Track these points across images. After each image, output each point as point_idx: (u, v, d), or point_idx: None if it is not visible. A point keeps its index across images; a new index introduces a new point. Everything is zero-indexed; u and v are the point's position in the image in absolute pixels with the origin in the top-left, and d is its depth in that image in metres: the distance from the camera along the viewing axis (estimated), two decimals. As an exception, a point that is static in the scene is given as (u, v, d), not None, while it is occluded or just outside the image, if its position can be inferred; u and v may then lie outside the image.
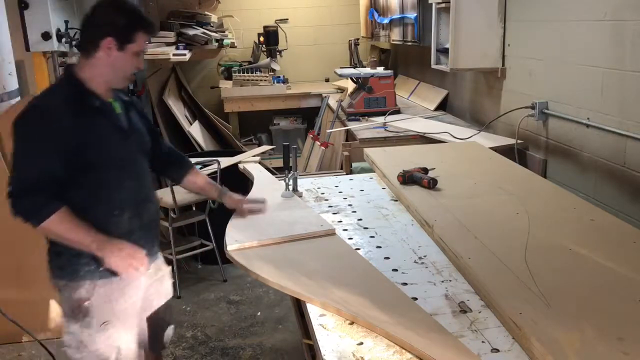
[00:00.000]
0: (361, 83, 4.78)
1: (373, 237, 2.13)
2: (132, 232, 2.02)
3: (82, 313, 1.98)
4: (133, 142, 2.07)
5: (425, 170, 2.61)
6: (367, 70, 4.99)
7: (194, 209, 4.21)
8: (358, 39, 6.63)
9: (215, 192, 2.37)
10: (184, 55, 5.40)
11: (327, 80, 6.87)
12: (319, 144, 4.78)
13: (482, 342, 1.42)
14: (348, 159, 3.40)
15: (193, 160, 4.26)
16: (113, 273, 1.96)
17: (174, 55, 5.34)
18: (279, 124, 6.69)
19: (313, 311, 1.62)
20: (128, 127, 2.06)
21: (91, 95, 1.96)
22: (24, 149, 1.88)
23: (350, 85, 5.44)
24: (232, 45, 6.42)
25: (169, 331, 2.31)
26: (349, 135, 4.36)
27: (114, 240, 1.94)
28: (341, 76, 5.38)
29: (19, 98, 3.55)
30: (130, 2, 2.02)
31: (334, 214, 2.39)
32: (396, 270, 1.85)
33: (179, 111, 5.92)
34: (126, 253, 1.93)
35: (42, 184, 1.87)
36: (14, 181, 1.89)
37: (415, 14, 4.77)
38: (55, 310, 3.37)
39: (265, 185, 2.84)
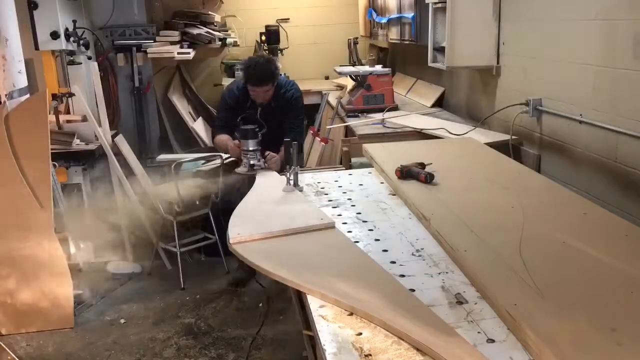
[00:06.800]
0: (360, 81, 4.80)
1: (372, 230, 2.15)
2: None
3: None
4: None
5: (422, 166, 2.63)
6: (366, 68, 5.02)
7: (197, 203, 4.27)
8: (357, 38, 6.69)
9: None
10: (188, 53, 5.45)
11: (327, 78, 6.90)
12: (319, 139, 4.84)
13: (478, 332, 1.43)
14: (347, 155, 3.42)
15: (197, 155, 4.37)
16: None
17: (178, 53, 5.39)
18: (279, 120, 6.72)
19: (313, 302, 1.64)
20: None
21: None
22: None
23: (349, 83, 5.47)
24: (235, 44, 6.46)
25: None
26: (348, 132, 4.39)
27: None
28: (341, 74, 5.44)
29: (28, 95, 3.61)
30: None
31: (334, 207, 2.41)
32: (394, 262, 1.86)
33: (183, 108, 5.98)
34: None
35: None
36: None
37: (412, 14, 4.80)
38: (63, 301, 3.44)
39: (267, 179, 2.90)
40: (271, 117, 3.60)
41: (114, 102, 5.50)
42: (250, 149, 3.15)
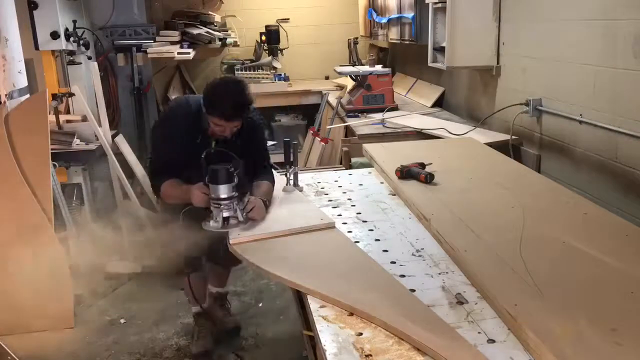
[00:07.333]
0: (360, 81, 4.81)
1: (372, 230, 2.16)
2: None
3: None
4: None
5: (422, 166, 2.65)
6: (366, 68, 5.02)
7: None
8: (357, 38, 6.70)
9: None
10: (188, 53, 5.46)
11: (327, 78, 6.91)
12: (319, 139, 4.85)
13: (479, 332, 1.45)
14: (347, 155, 3.42)
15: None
16: None
17: (178, 53, 5.39)
18: (280, 120, 6.74)
19: (313, 303, 1.65)
20: None
21: None
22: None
23: (349, 83, 5.48)
24: (235, 44, 6.48)
25: None
26: (348, 132, 4.40)
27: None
28: (341, 74, 5.44)
29: (28, 95, 3.61)
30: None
31: (334, 207, 2.43)
32: (394, 262, 1.87)
33: (183, 108, 6.00)
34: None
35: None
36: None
37: (412, 14, 4.80)
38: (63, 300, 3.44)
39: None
40: (231, 150, 2.61)
41: (114, 102, 5.51)
42: (223, 196, 2.31)
